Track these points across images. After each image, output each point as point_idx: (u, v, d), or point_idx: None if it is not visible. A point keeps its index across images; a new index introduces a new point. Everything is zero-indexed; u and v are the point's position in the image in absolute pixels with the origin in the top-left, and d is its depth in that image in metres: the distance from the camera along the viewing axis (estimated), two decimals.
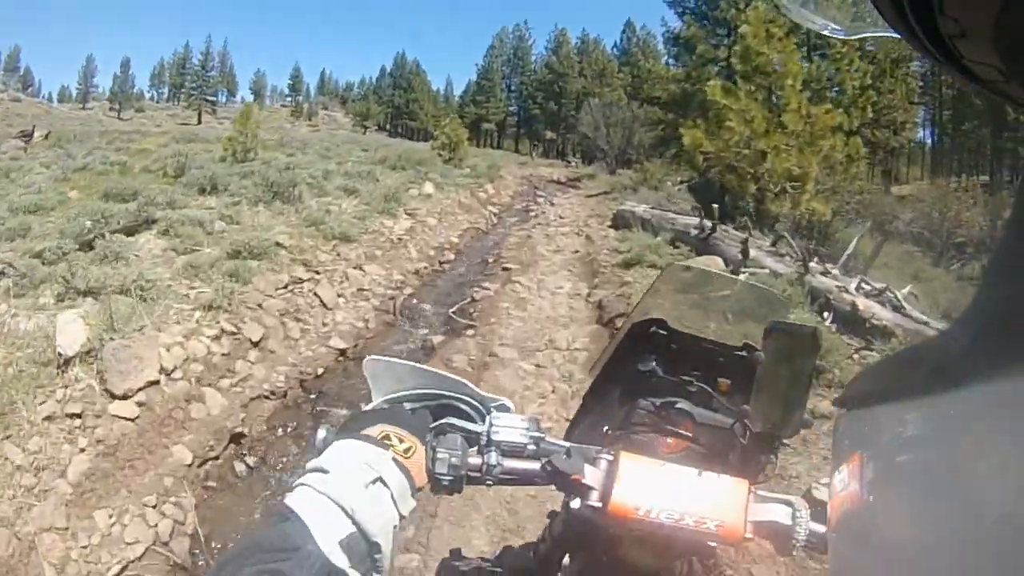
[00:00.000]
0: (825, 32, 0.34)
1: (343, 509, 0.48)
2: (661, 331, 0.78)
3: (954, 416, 0.25)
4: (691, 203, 16.61)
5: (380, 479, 0.51)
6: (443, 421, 0.64)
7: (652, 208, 9.88)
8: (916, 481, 0.27)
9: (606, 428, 0.74)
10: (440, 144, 19.26)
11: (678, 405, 0.71)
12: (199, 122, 54.90)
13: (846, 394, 0.40)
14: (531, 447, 0.62)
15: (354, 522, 0.48)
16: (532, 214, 13.25)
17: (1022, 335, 0.22)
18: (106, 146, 16.24)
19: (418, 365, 0.68)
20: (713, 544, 0.62)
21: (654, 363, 0.77)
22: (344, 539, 0.47)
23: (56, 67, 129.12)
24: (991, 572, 0.21)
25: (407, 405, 0.65)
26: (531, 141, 46.46)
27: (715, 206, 7.53)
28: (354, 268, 6.67)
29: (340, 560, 0.46)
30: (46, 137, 20.44)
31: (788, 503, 0.59)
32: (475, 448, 0.62)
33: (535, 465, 0.61)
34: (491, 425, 0.63)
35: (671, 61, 24.86)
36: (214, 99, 59.13)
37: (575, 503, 0.61)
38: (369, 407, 0.66)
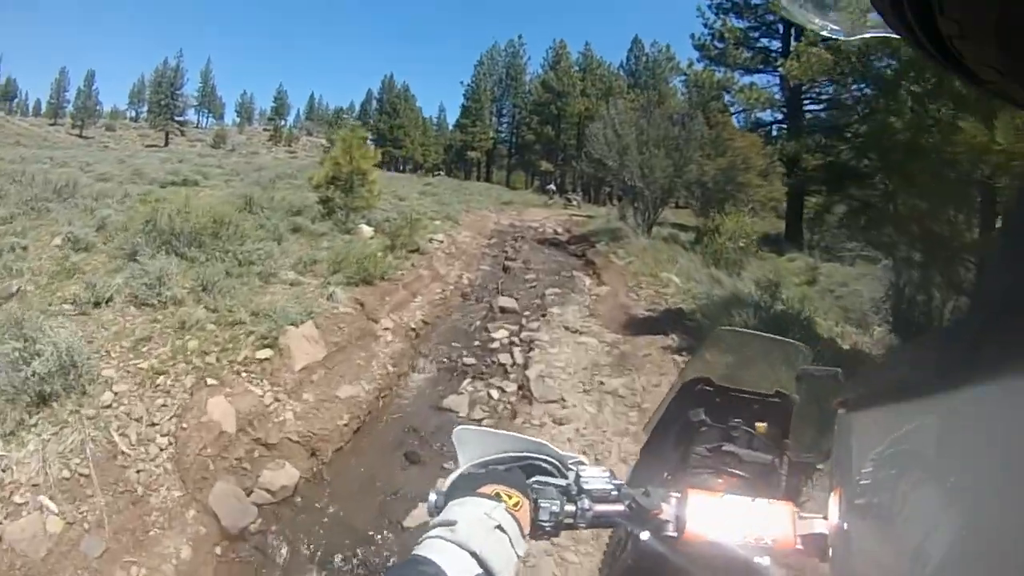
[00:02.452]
0: (824, 33, 0.34)
1: (471, 553, 0.55)
2: (707, 387, 0.92)
3: (954, 416, 0.25)
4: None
5: (499, 526, 0.59)
6: (534, 479, 0.71)
7: None
8: (915, 480, 0.27)
9: (666, 473, 0.88)
10: (323, 179, 11.49)
11: (725, 448, 0.87)
12: (166, 143, 49.66)
13: (846, 394, 0.41)
14: (614, 492, 0.72)
15: (481, 563, 0.55)
16: None
17: (1021, 335, 0.23)
18: None
19: (502, 432, 0.75)
20: (766, 564, 0.71)
21: (703, 414, 0.90)
22: None
23: (44, 80, 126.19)
24: (990, 569, 0.22)
25: (495, 467, 0.73)
26: (528, 174, 39.46)
27: None
28: None
29: None
30: None
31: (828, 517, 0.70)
32: (565, 497, 0.71)
33: (620, 506, 0.71)
34: (579, 476, 0.72)
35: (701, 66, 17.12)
36: (182, 119, 53.94)
37: (645, 535, 0.70)
38: (457, 472, 0.71)
